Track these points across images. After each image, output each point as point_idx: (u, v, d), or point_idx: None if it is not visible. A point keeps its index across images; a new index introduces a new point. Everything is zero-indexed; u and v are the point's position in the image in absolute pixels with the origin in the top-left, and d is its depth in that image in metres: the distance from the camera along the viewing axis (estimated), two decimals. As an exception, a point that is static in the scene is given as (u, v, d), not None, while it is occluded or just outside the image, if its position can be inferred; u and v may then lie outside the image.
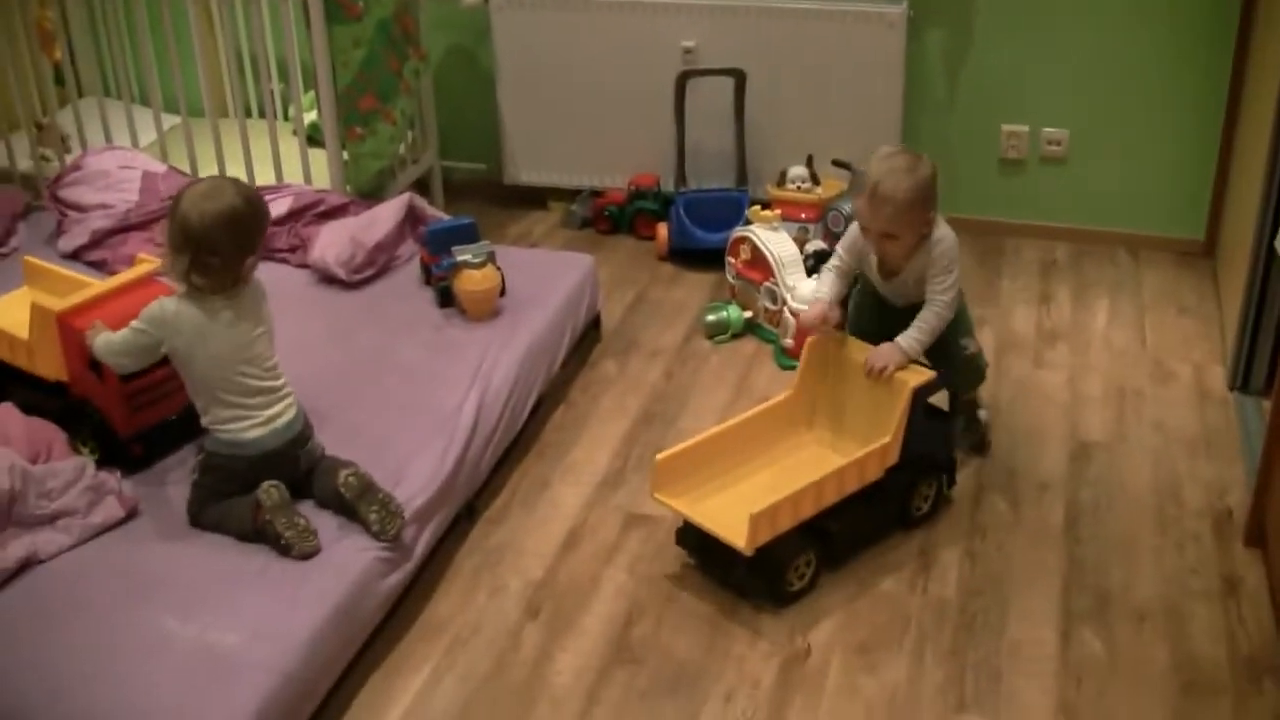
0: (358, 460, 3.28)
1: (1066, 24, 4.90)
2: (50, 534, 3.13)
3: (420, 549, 3.28)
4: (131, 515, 3.25)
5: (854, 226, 3.57)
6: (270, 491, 3.08)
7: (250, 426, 3.17)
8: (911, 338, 3.43)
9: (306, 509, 3.18)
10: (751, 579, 3.30)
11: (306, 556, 3.05)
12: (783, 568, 3.27)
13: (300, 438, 3.25)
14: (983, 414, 3.87)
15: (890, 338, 3.49)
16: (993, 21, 4.96)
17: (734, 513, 3.21)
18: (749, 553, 3.17)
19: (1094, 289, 4.85)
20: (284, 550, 3.05)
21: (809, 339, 3.61)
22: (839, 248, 3.67)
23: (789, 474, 3.43)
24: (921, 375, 3.41)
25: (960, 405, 3.74)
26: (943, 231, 3.49)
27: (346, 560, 3.06)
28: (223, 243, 3.08)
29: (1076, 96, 5.00)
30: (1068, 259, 5.09)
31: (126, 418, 3.38)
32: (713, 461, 3.46)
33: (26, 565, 3.06)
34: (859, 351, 3.52)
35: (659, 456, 3.37)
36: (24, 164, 5.26)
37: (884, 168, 3.40)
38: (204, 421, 3.22)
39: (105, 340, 3.25)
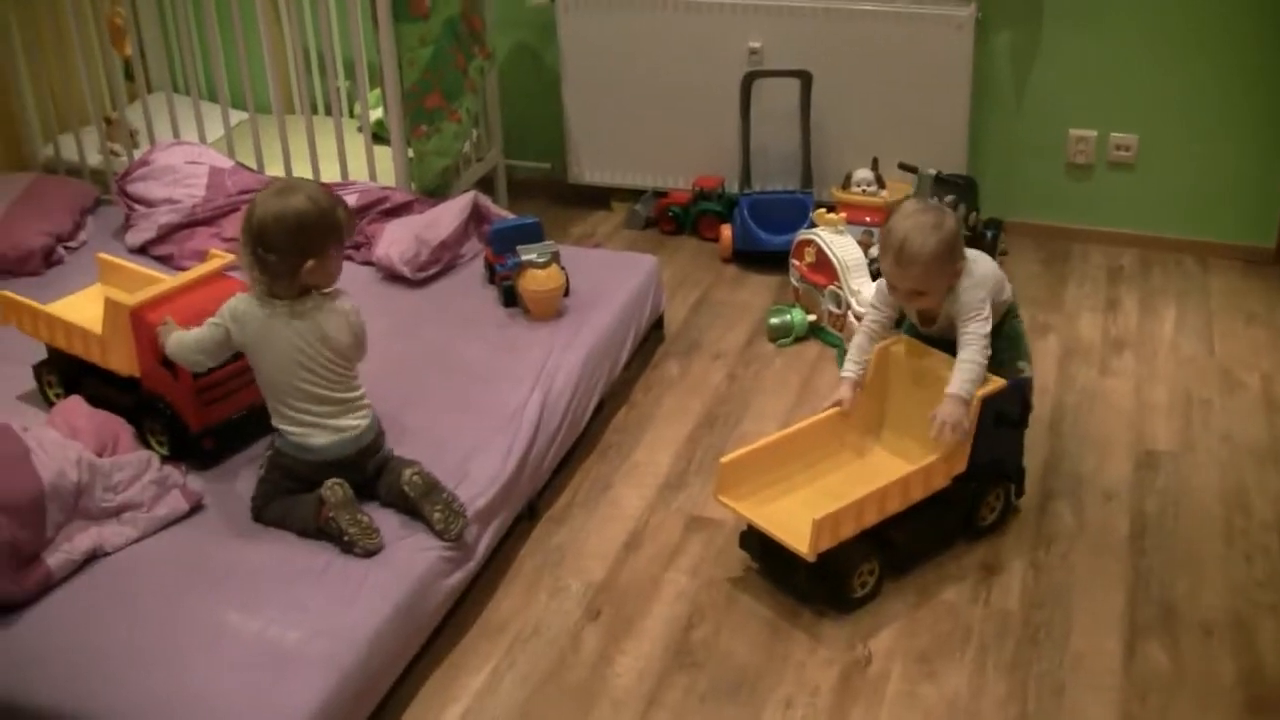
0: (420, 458, 3.30)
1: (1137, 27, 4.85)
2: (116, 526, 3.16)
3: (482, 548, 3.29)
4: (195, 509, 3.27)
5: (882, 281, 3.52)
6: (335, 489, 3.09)
7: (317, 433, 3.18)
8: (961, 384, 3.30)
9: (370, 508, 3.19)
10: (814, 585, 3.29)
11: (370, 554, 3.06)
12: (846, 575, 3.25)
13: (370, 448, 3.25)
14: None
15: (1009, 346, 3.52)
16: (1062, 24, 4.91)
17: (798, 518, 3.19)
18: (811, 559, 3.15)
19: (1161, 296, 4.80)
20: (347, 548, 3.07)
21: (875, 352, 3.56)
22: (873, 301, 3.59)
23: (854, 480, 3.40)
24: (992, 384, 3.39)
25: None
26: (970, 278, 3.39)
27: (409, 559, 3.07)
28: (280, 241, 3.07)
29: (1146, 101, 4.95)
30: (1135, 266, 5.04)
31: (197, 413, 3.41)
32: (777, 465, 3.44)
33: (92, 557, 3.09)
34: (926, 357, 3.49)
35: (723, 460, 3.36)
36: (93, 159, 5.30)
37: (908, 225, 3.32)
38: (273, 421, 3.23)
39: (177, 338, 3.27)
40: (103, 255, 3.97)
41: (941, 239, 3.30)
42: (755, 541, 3.38)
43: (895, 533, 3.33)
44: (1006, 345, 3.52)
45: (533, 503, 3.61)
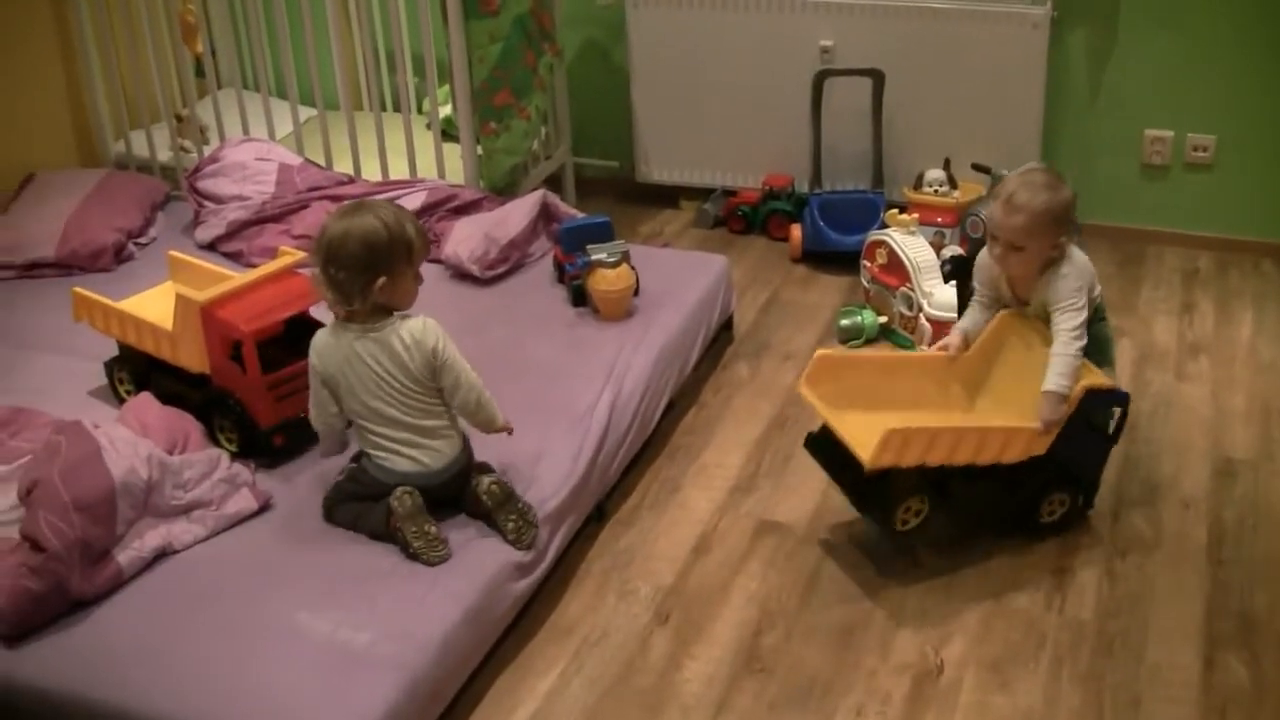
0: (489, 459, 3.29)
1: (1214, 26, 4.77)
2: (185, 524, 3.17)
3: (551, 551, 3.27)
4: (264, 508, 3.28)
5: (983, 253, 3.49)
6: (403, 498, 3.07)
7: (398, 460, 3.16)
8: (1055, 379, 3.26)
9: (456, 519, 3.18)
10: (863, 501, 3.35)
11: (433, 565, 3.05)
12: (896, 500, 3.27)
13: (457, 477, 3.21)
14: None
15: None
16: (1138, 23, 4.84)
17: (871, 432, 3.15)
18: (869, 467, 3.14)
19: (1238, 300, 4.72)
20: (413, 558, 3.05)
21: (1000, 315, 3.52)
22: (975, 281, 3.57)
23: (938, 420, 3.37)
24: (1099, 379, 3.31)
25: None
26: (1071, 264, 3.35)
27: (479, 562, 3.05)
28: (349, 259, 3.04)
29: (1224, 101, 4.87)
30: (1211, 268, 4.96)
31: (268, 409, 3.41)
32: (869, 382, 3.42)
33: (162, 555, 3.11)
34: (1040, 334, 3.40)
35: (820, 351, 3.36)
36: (164, 155, 5.33)
37: (1023, 179, 3.32)
38: (360, 444, 3.23)
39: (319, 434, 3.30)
40: (173, 252, 3.97)
41: (1053, 199, 3.28)
42: (823, 447, 3.39)
43: (956, 483, 3.32)
44: (1095, 349, 3.45)
45: (601, 505, 3.59)
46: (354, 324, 3.11)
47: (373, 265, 3.06)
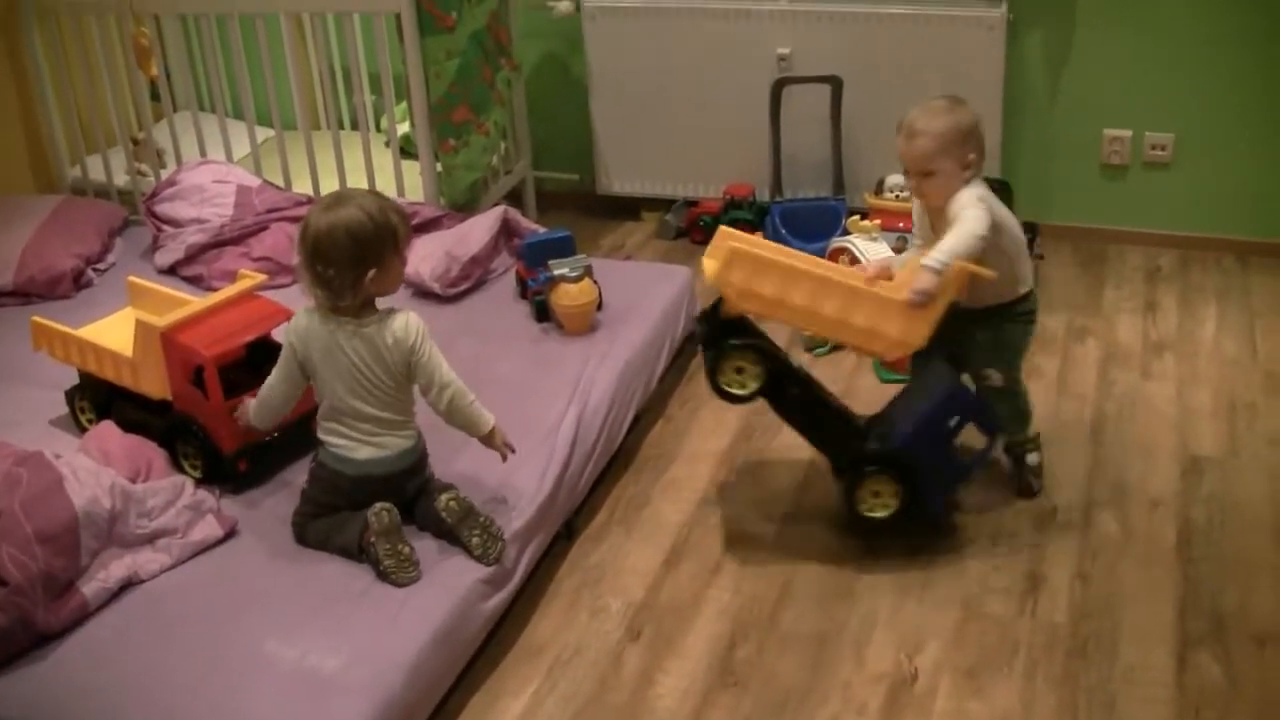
0: (455, 477, 3.27)
1: (1169, 25, 4.79)
2: (150, 553, 3.14)
3: (521, 570, 3.24)
4: (230, 534, 3.25)
5: (916, 201, 3.54)
6: (381, 514, 3.04)
7: (360, 448, 3.13)
8: (936, 253, 3.17)
9: (407, 531, 3.15)
10: (707, 339, 3.42)
11: (403, 586, 3.02)
12: (724, 358, 3.32)
13: (411, 469, 3.20)
14: (1031, 458, 3.67)
15: (954, 345, 3.47)
16: (1094, 23, 4.86)
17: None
18: (709, 282, 3.29)
19: (1200, 296, 4.74)
20: (382, 576, 3.02)
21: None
22: (913, 234, 3.63)
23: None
24: (983, 270, 3.23)
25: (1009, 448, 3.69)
26: (976, 190, 3.32)
27: (448, 582, 3.03)
28: (338, 254, 3.01)
29: (1181, 99, 4.89)
30: (1173, 266, 4.98)
31: (231, 434, 3.38)
32: (775, 290, 3.28)
33: (127, 585, 3.07)
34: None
35: (733, 245, 3.29)
36: (120, 179, 5.30)
37: (920, 108, 3.41)
38: (318, 433, 3.20)
39: (258, 400, 3.26)
40: (133, 278, 3.94)
41: (953, 121, 3.34)
42: (711, 320, 3.46)
43: (792, 377, 3.38)
44: (997, 349, 3.51)
45: (570, 521, 3.57)
46: (344, 317, 3.09)
47: (362, 258, 3.03)
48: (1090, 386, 4.15)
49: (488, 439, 3.23)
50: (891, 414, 3.49)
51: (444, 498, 3.12)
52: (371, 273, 3.04)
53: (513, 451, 3.26)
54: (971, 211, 3.25)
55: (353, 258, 3.02)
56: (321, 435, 3.19)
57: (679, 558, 3.50)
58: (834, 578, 3.38)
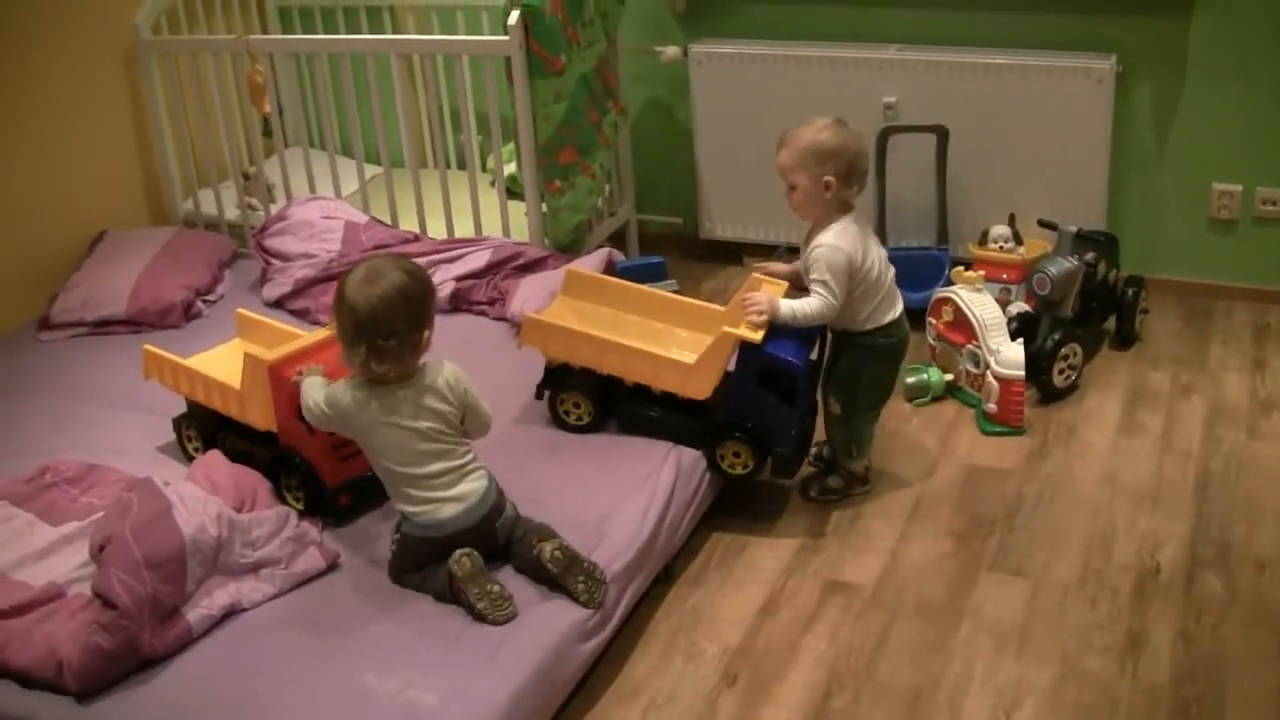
0: (557, 518, 3.28)
1: (1283, 79, 4.74)
2: (254, 583, 3.18)
3: (619, 612, 3.24)
4: (332, 567, 3.28)
5: None
6: (462, 561, 3.04)
7: (441, 506, 3.13)
8: (792, 306, 3.54)
9: (504, 573, 3.17)
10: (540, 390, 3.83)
11: (500, 624, 3.03)
12: (557, 392, 3.78)
13: (494, 510, 3.20)
14: (834, 480, 3.92)
15: (830, 372, 3.80)
16: (1204, 76, 4.80)
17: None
18: (516, 347, 3.81)
19: (1311, 355, 4.66)
20: (479, 618, 3.03)
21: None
22: None
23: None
24: (750, 334, 3.52)
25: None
26: (830, 238, 3.56)
27: (546, 623, 3.03)
28: (395, 323, 3.04)
29: (1294, 154, 4.83)
30: (1282, 324, 4.91)
31: (333, 468, 3.42)
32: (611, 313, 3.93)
33: (230, 613, 3.11)
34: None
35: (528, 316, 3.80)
36: (231, 213, 5.38)
37: (805, 122, 3.60)
38: (395, 504, 3.22)
39: (310, 383, 3.29)
40: (242, 311, 4.01)
41: (820, 137, 3.54)
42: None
43: (624, 394, 3.73)
44: (841, 378, 3.78)
45: (669, 565, 3.56)
46: (393, 386, 3.11)
47: (420, 318, 3.08)
48: (1195, 444, 4.10)
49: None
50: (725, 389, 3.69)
51: (548, 548, 3.10)
52: (427, 332, 3.09)
53: None
54: (824, 289, 3.54)
55: (411, 321, 3.05)
56: (400, 506, 3.19)
57: (776, 605, 3.49)
58: (931, 630, 3.36)
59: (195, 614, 3.04)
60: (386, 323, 3.02)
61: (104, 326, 4.63)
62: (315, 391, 3.24)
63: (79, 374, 4.33)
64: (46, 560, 3.27)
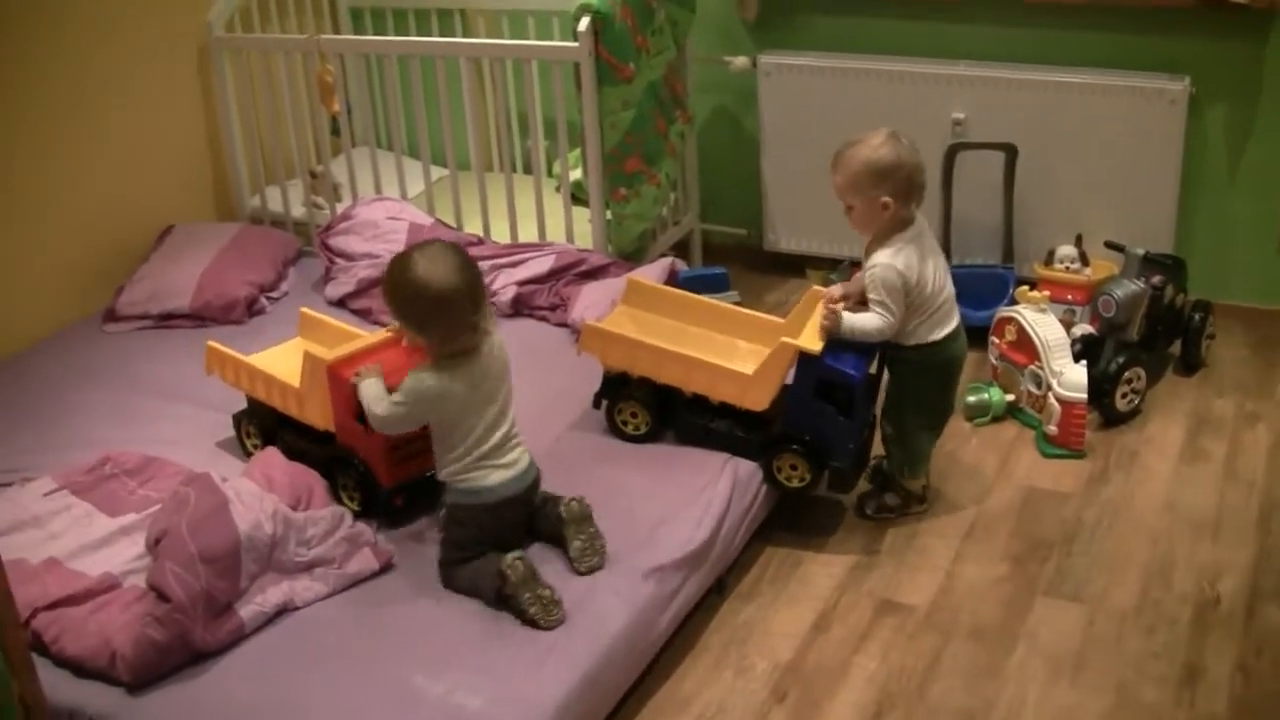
0: (610, 523, 3.30)
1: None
2: (307, 581, 3.19)
3: (668, 620, 3.24)
4: (386, 568, 3.29)
5: None
6: (515, 565, 3.06)
7: (491, 472, 3.19)
8: (852, 321, 3.53)
9: (547, 565, 3.19)
10: (599, 398, 3.83)
11: (551, 629, 3.03)
12: (615, 402, 3.77)
13: (535, 483, 3.29)
14: (890, 498, 3.89)
15: (892, 388, 3.78)
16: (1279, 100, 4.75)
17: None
18: (577, 353, 3.84)
19: (1385, 385, 4.59)
20: (530, 623, 3.04)
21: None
22: None
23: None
24: (811, 345, 3.50)
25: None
26: (884, 257, 3.54)
27: (596, 628, 3.03)
28: (465, 297, 3.11)
29: (1371, 180, 4.76)
30: (1355, 352, 4.82)
31: (389, 469, 3.42)
32: (673, 324, 3.94)
33: (283, 610, 3.13)
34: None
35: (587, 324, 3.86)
36: (297, 211, 5.42)
37: (859, 139, 3.56)
38: (443, 474, 3.25)
39: (373, 394, 3.28)
40: (305, 310, 4.03)
41: (873, 158, 3.50)
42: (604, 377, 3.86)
43: (682, 405, 3.74)
44: (889, 397, 3.77)
45: (722, 578, 3.55)
46: (461, 359, 3.18)
47: (483, 289, 3.20)
48: (1259, 473, 4.04)
49: None
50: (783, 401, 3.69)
51: (570, 499, 3.21)
52: (491, 297, 3.18)
53: None
54: (882, 308, 3.53)
55: (478, 290, 3.16)
56: (449, 476, 3.24)
57: (828, 622, 3.47)
58: (985, 654, 3.32)
59: (248, 610, 3.06)
60: (463, 292, 3.10)
61: (168, 320, 4.67)
62: (379, 393, 3.27)
63: (142, 367, 4.37)
64: (103, 551, 3.30)
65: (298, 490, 3.33)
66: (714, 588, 3.51)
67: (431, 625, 3.08)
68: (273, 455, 3.47)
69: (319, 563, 3.22)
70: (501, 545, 3.15)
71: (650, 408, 3.75)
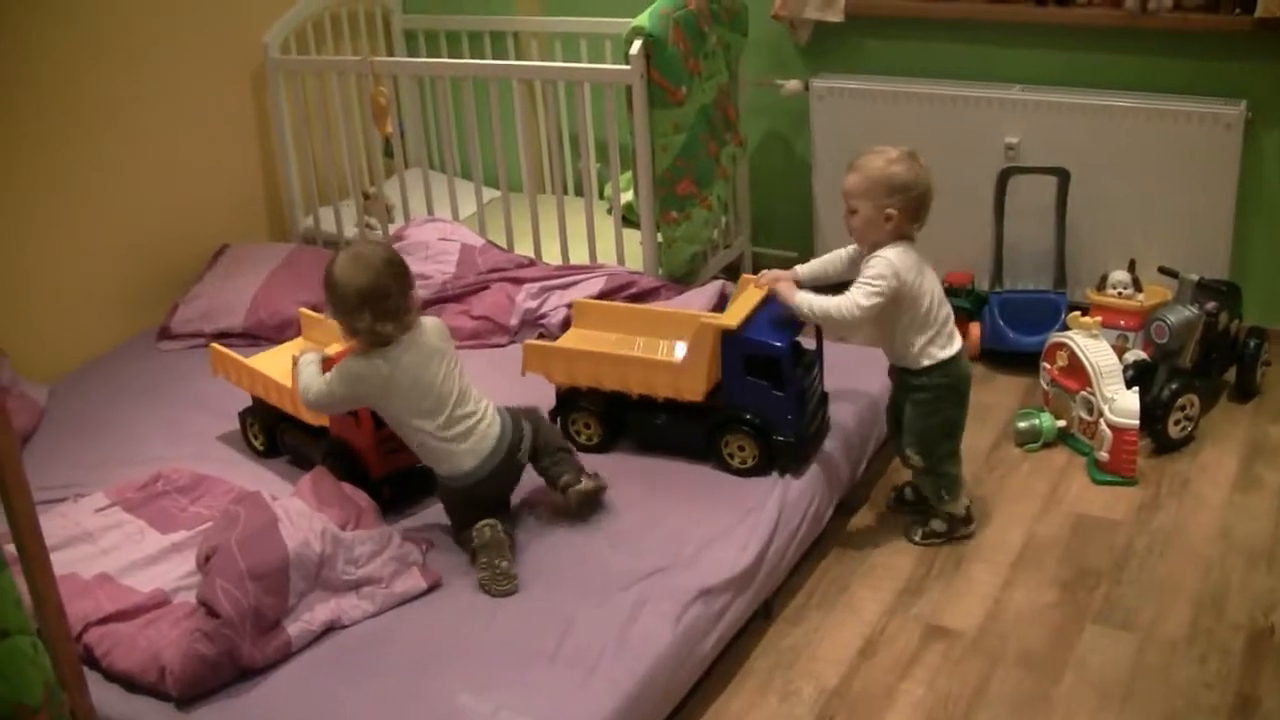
0: (655, 545, 3.36)
1: None
2: (354, 600, 3.20)
3: (713, 643, 3.23)
4: (433, 588, 3.30)
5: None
6: (483, 530, 3.27)
7: (460, 456, 3.33)
8: (810, 296, 3.60)
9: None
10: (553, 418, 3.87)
11: (498, 597, 3.22)
12: (567, 415, 3.86)
13: (514, 447, 3.41)
14: (936, 524, 3.87)
15: (899, 424, 3.80)
16: (1339, 126, 4.71)
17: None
18: (522, 371, 3.89)
19: None
20: (480, 587, 3.24)
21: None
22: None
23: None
24: (729, 321, 3.61)
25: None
26: (888, 253, 3.57)
27: (641, 649, 3.03)
28: (392, 284, 3.30)
29: None
30: None
31: (379, 460, 3.57)
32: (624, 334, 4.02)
33: (330, 628, 3.14)
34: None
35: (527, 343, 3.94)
36: (350, 231, 5.45)
37: (879, 149, 3.59)
38: (422, 462, 3.43)
39: (308, 378, 3.44)
40: (304, 309, 4.17)
41: (888, 168, 3.54)
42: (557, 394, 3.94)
43: (630, 408, 3.81)
44: (910, 426, 3.74)
45: (769, 601, 3.54)
46: (396, 346, 3.33)
47: (405, 275, 3.36)
48: (1309, 502, 4.01)
49: None
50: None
51: (578, 490, 3.45)
52: (413, 292, 3.36)
53: None
54: (863, 291, 3.54)
55: (402, 280, 3.34)
56: (425, 462, 3.45)
57: (874, 647, 3.45)
58: (1031, 682, 3.30)
59: (296, 627, 3.07)
60: (384, 285, 3.29)
61: (221, 338, 4.70)
62: (315, 375, 3.44)
63: (195, 384, 4.40)
64: (155, 567, 3.34)
65: (347, 510, 3.35)
66: (760, 611, 3.50)
67: (478, 645, 3.09)
68: (322, 475, 3.50)
69: (367, 581, 3.23)
70: (489, 513, 3.35)
71: (600, 418, 3.84)
